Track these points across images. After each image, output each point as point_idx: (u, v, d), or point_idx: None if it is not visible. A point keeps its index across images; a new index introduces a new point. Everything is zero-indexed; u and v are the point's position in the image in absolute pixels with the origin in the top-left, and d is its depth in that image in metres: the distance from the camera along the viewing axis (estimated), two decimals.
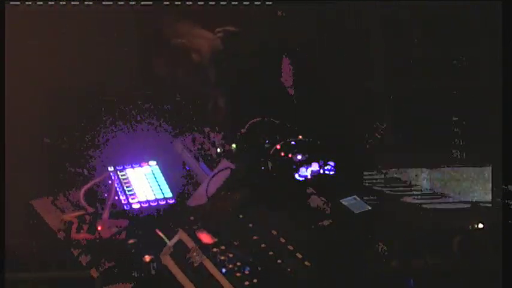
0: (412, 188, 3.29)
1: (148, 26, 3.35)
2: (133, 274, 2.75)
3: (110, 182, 3.16)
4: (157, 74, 3.40)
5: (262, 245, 2.86)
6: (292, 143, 3.34)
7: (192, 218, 2.98)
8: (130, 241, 2.89)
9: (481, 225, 2.96)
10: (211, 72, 3.36)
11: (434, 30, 3.35)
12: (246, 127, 3.37)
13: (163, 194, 3.15)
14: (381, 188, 3.33)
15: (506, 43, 2.90)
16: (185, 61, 3.37)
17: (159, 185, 3.18)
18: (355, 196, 3.23)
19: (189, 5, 3.28)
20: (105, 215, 3.02)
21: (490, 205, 3.16)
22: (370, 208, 3.15)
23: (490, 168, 3.19)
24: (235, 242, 2.85)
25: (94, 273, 2.74)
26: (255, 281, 2.68)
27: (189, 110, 3.43)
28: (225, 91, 3.35)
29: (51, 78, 3.26)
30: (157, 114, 3.42)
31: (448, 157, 3.31)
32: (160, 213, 3.08)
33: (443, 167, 3.31)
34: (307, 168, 3.36)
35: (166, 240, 2.81)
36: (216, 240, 2.86)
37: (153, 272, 2.70)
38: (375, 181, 3.40)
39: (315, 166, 3.37)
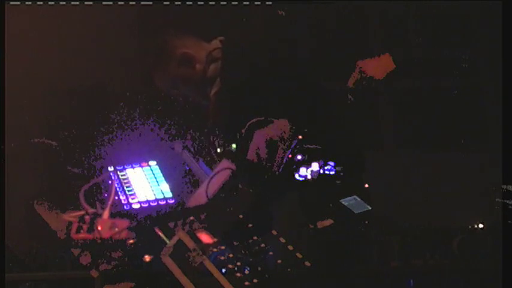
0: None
1: (149, 34, 3.33)
2: (133, 274, 2.75)
3: (110, 182, 3.16)
4: (159, 88, 3.37)
5: (262, 245, 2.86)
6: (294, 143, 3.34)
7: (192, 218, 2.98)
8: (131, 241, 2.89)
9: (481, 225, 2.96)
10: (214, 80, 3.33)
11: (434, 30, 3.35)
12: (246, 127, 3.37)
13: (163, 194, 3.15)
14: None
15: (506, 43, 2.90)
16: (187, 72, 3.35)
17: (159, 185, 3.17)
18: (355, 196, 3.23)
19: (189, 5, 3.28)
20: (105, 215, 3.02)
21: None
22: (370, 208, 3.15)
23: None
24: (235, 242, 2.86)
25: (94, 273, 2.74)
26: (255, 281, 2.68)
27: (189, 110, 3.43)
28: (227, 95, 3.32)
29: (51, 78, 3.26)
30: (157, 114, 3.41)
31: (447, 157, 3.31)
32: (160, 213, 3.07)
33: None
34: (307, 168, 3.36)
35: (166, 240, 2.81)
36: (216, 240, 2.86)
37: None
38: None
39: (315, 166, 3.37)
